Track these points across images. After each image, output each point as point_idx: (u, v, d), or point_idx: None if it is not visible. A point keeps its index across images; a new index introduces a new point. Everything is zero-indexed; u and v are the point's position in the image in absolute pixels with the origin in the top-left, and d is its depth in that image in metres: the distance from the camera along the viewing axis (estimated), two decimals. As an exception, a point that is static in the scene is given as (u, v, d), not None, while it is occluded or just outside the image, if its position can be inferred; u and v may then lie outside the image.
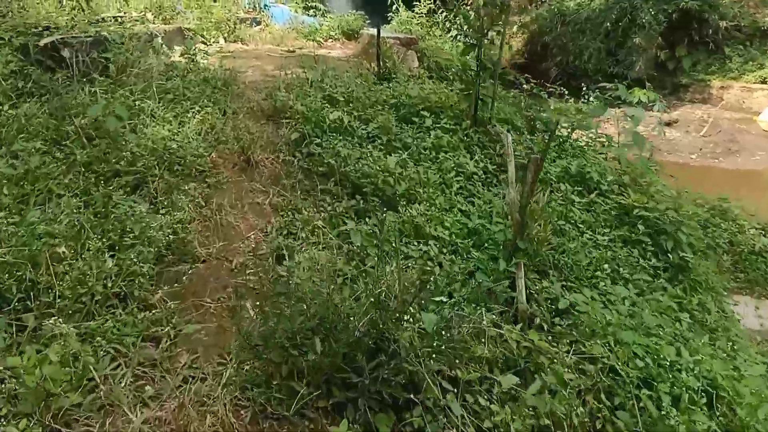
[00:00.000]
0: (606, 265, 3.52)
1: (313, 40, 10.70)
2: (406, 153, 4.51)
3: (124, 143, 4.12)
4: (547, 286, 3.15)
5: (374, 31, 10.11)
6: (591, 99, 9.37)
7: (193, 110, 5.29)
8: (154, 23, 9.54)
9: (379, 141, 4.71)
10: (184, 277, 3.13)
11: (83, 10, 7.20)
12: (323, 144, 4.49)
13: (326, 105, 4.89)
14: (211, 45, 10.06)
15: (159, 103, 5.20)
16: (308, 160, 4.57)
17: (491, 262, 3.21)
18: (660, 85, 22.16)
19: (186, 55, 6.56)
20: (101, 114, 4.14)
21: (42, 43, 5.08)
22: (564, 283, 3.32)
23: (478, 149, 5.01)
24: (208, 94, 5.82)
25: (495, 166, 4.85)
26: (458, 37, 10.67)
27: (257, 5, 12.62)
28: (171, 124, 4.92)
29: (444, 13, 10.47)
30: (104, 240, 3.12)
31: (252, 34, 11.53)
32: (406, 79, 6.63)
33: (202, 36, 10.20)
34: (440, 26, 10.21)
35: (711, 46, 21.45)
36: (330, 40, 11.48)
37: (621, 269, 3.62)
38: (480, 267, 3.22)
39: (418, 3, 10.34)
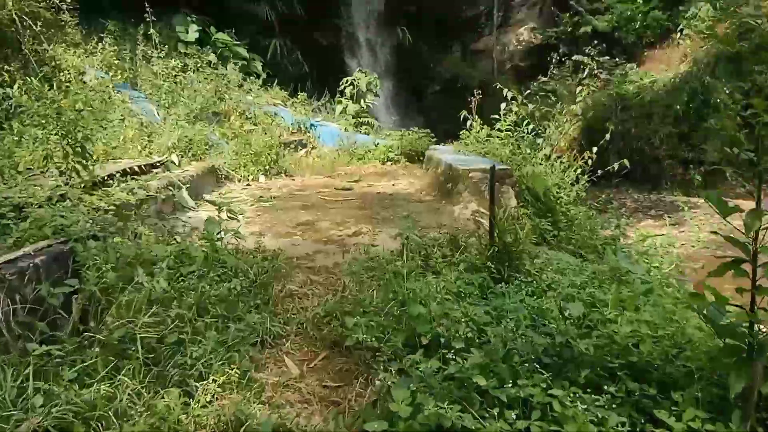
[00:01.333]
0: None
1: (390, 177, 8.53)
2: None
3: None
4: None
5: (444, 155, 7.86)
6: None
7: (209, 369, 2.95)
8: (180, 165, 7.53)
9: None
10: None
11: (77, 173, 5.13)
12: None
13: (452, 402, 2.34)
14: (250, 184, 7.97)
15: (147, 375, 2.86)
16: None
17: None
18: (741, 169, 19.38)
19: (206, 241, 4.30)
20: None
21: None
22: None
23: None
24: (238, 313, 3.51)
25: None
26: (552, 154, 8.31)
27: (302, 126, 10.68)
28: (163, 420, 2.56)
29: (530, 125, 8.19)
30: None
31: (297, 161, 9.47)
32: (537, 268, 4.10)
33: (239, 173, 8.15)
34: (527, 141, 7.90)
35: (794, 122, 18.76)
36: (389, 162, 9.31)
37: None
38: None
39: (498, 118, 8.10)
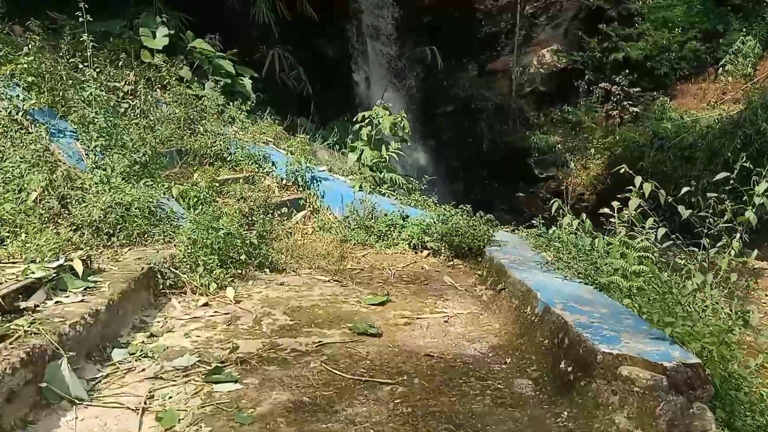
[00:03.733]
0: None
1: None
2: None
3: None
4: None
5: (529, 274, 4.60)
6: None
7: None
8: (89, 274, 4.17)
9: None
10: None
11: None
12: None
13: None
14: (210, 304, 4.61)
15: None
16: None
17: None
18: (793, 226, 16.36)
19: None
20: None
21: None
22: None
23: None
24: None
25: None
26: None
27: (299, 177, 7.34)
28: None
29: (657, 225, 4.81)
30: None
31: (288, 235, 6.16)
32: None
33: (196, 279, 4.78)
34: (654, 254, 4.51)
35: None
36: (425, 252, 6.02)
37: None
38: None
39: (609, 213, 4.76)
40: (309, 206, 7.04)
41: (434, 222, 5.94)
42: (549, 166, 20.41)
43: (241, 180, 7.23)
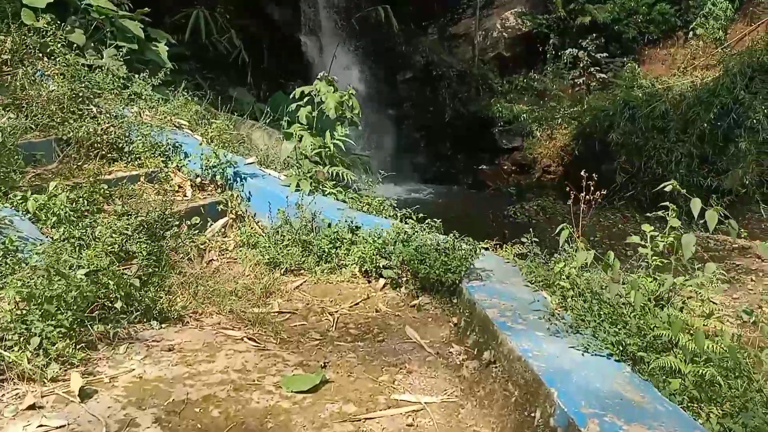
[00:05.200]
0: None
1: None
2: None
3: None
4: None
5: (525, 344, 3.01)
6: None
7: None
8: None
9: None
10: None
11: None
12: None
13: None
14: (41, 405, 2.87)
15: None
16: None
17: None
18: (769, 200, 15.31)
19: None
20: None
21: None
22: None
23: None
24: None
25: None
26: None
27: (218, 174, 5.51)
28: None
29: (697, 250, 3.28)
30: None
31: (196, 259, 4.43)
32: None
33: (25, 361, 3.02)
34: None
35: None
36: (381, 280, 4.37)
37: None
38: None
39: (639, 242, 3.13)
40: (231, 212, 5.26)
41: (393, 241, 4.26)
42: (514, 137, 18.92)
43: (141, 178, 5.40)
